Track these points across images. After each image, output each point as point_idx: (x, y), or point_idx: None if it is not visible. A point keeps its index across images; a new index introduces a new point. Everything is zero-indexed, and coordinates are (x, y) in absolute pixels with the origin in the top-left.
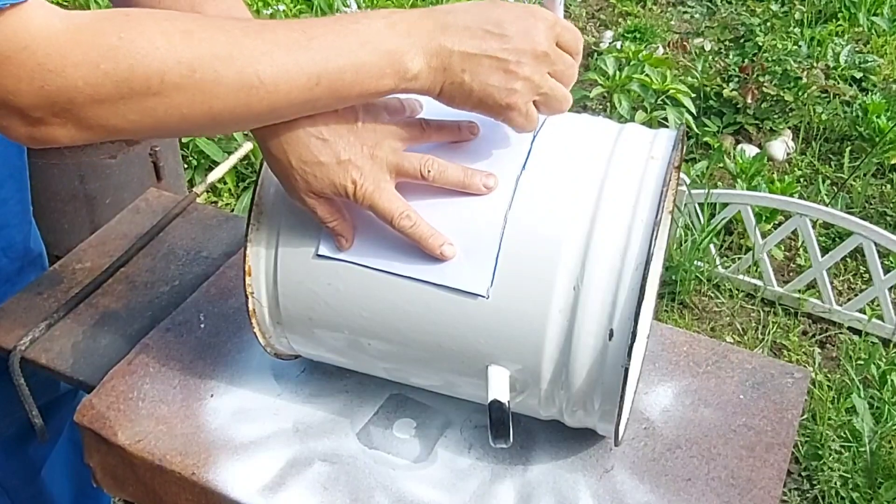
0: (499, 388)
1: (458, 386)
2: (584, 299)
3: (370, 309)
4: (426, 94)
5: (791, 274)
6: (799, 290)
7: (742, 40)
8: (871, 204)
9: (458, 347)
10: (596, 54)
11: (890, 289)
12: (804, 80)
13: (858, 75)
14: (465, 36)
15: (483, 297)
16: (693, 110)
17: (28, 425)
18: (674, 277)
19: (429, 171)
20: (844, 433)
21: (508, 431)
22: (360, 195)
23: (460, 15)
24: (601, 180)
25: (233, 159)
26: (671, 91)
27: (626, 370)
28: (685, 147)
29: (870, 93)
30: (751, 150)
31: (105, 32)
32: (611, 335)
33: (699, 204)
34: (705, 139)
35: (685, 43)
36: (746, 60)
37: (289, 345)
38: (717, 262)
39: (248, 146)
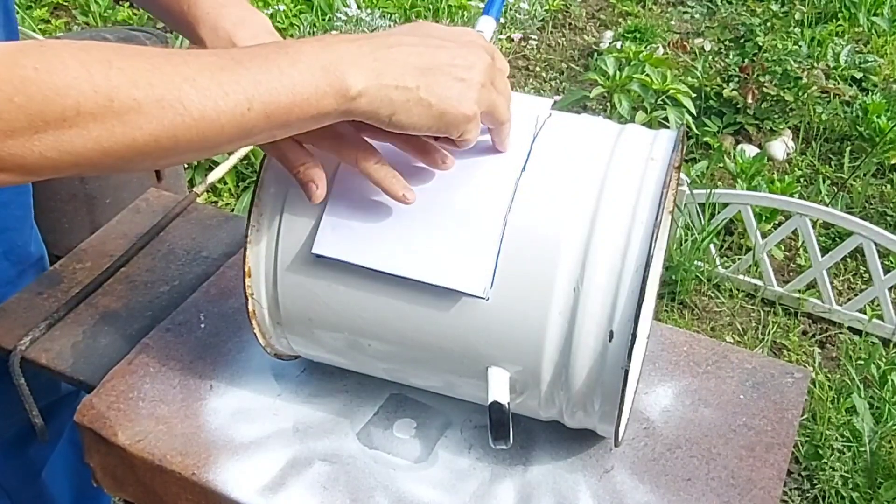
0: (499, 389)
1: (458, 386)
2: (584, 301)
3: (369, 309)
4: (375, 117)
5: (791, 274)
6: (799, 290)
7: (742, 40)
8: (871, 204)
9: (457, 348)
10: (596, 54)
11: (890, 289)
12: (804, 80)
13: (858, 75)
14: (412, 51)
15: (482, 298)
16: (693, 110)
17: (29, 426)
18: (674, 277)
19: None
20: (844, 433)
21: (508, 432)
22: None
23: (401, 34)
24: (601, 181)
25: (233, 159)
26: (671, 91)
27: (626, 372)
28: (685, 147)
29: (870, 93)
30: (751, 150)
31: (19, 64)
32: (611, 337)
33: (699, 204)
34: (705, 139)
35: (685, 43)
36: (746, 60)
37: (289, 345)
38: (717, 262)
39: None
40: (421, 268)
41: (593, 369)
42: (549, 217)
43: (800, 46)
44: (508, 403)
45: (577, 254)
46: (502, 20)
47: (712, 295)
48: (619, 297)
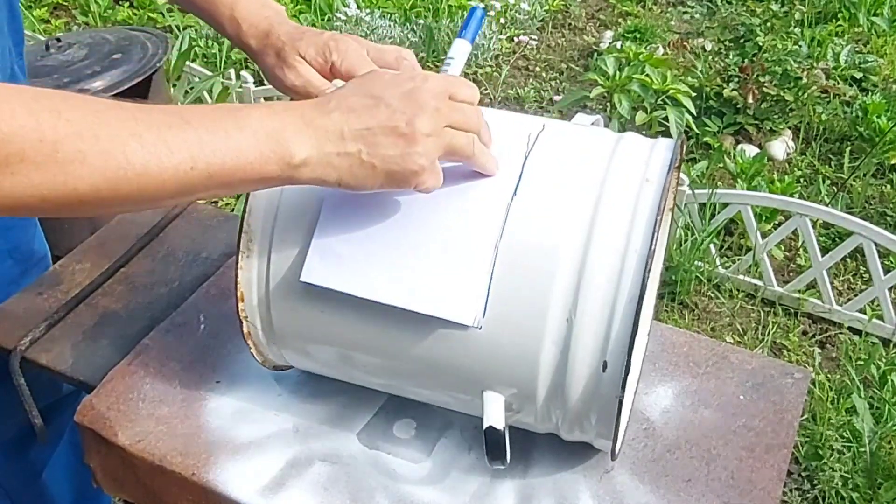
0: (494, 414)
1: (453, 403)
2: (578, 331)
3: (362, 332)
4: (322, 183)
5: (791, 274)
6: (799, 290)
7: (742, 40)
8: (871, 204)
9: (452, 371)
10: (596, 54)
11: (890, 289)
12: (804, 80)
13: (858, 75)
14: (351, 116)
15: (474, 327)
16: (693, 110)
17: (29, 427)
18: (674, 277)
19: None
20: (844, 433)
21: (505, 454)
22: (343, 48)
23: (342, 96)
24: (593, 207)
25: None
26: (671, 91)
27: (621, 401)
28: (686, 147)
29: (870, 93)
30: (751, 150)
31: None
32: (604, 367)
33: (699, 204)
34: (705, 139)
35: (685, 43)
36: (746, 60)
37: (286, 361)
38: (717, 262)
39: None
40: (411, 297)
41: (588, 396)
42: (541, 245)
43: (800, 46)
44: (504, 428)
45: (570, 283)
46: (503, 20)
47: (712, 295)
48: (612, 328)
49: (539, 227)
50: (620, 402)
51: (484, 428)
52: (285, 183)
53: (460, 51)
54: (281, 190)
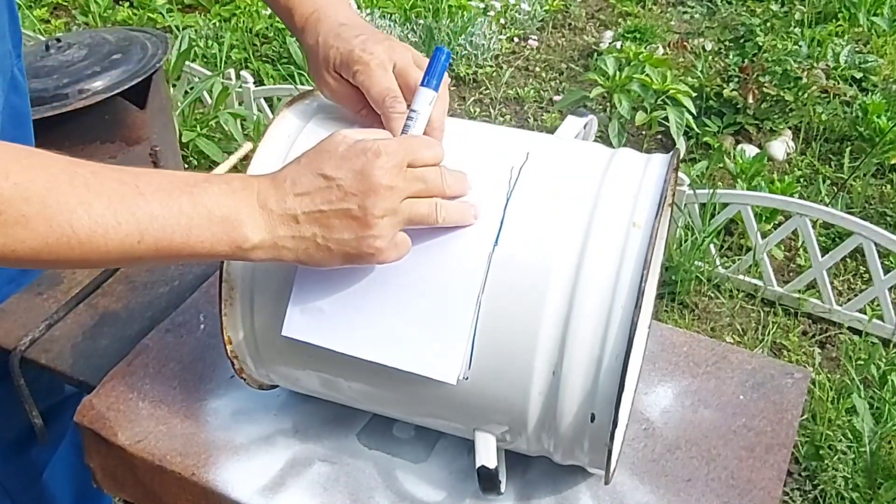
0: (486, 454)
1: (446, 430)
2: (564, 384)
3: (351, 377)
4: (279, 261)
5: (791, 274)
6: (799, 290)
7: (742, 40)
8: (871, 204)
9: (440, 413)
10: (596, 54)
11: (890, 289)
12: (804, 80)
13: (858, 75)
14: (305, 198)
15: (460, 381)
16: (693, 110)
17: (30, 429)
18: (674, 277)
19: None
20: (845, 433)
21: (499, 487)
22: (366, 61)
23: (297, 174)
24: (578, 255)
25: (233, 159)
26: (671, 91)
27: (610, 451)
28: (686, 147)
29: (870, 93)
30: (751, 150)
31: None
32: (592, 418)
33: (699, 204)
34: (705, 139)
35: (685, 43)
36: (746, 60)
37: (281, 384)
38: (717, 262)
39: (248, 146)
40: (394, 355)
41: (578, 439)
42: (525, 297)
43: (800, 46)
44: (497, 466)
45: (555, 337)
46: (503, 20)
47: (712, 295)
48: (599, 384)
49: (522, 279)
50: (609, 452)
51: (476, 467)
52: (240, 260)
53: (425, 101)
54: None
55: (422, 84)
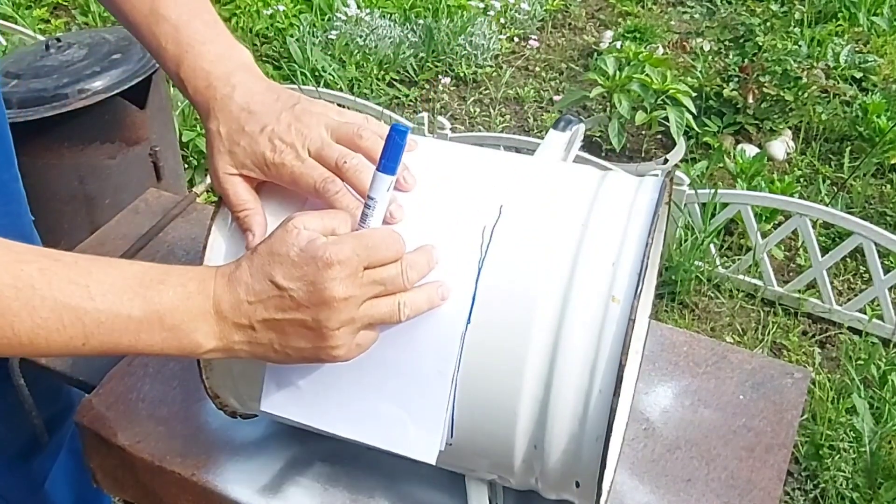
0: (478, 501)
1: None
2: (546, 457)
3: (335, 437)
4: (238, 357)
5: (791, 274)
6: (799, 290)
7: (742, 40)
8: (871, 204)
9: (426, 467)
10: (596, 54)
11: (890, 289)
12: (804, 80)
13: (858, 75)
14: (258, 306)
15: (440, 450)
16: (693, 110)
17: (32, 440)
18: (674, 277)
19: (345, 163)
20: (845, 433)
21: None
22: (279, 161)
23: (250, 278)
24: (555, 334)
25: None
26: (671, 91)
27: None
28: (686, 149)
29: (870, 93)
30: (751, 150)
31: None
32: (577, 485)
33: (699, 204)
34: (705, 139)
35: (685, 43)
36: (746, 60)
37: None
38: (717, 262)
39: None
40: (372, 433)
41: (564, 492)
42: (500, 378)
43: (800, 46)
44: None
45: (533, 416)
46: (503, 20)
47: (712, 295)
48: (580, 459)
49: (497, 357)
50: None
51: None
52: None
53: (382, 188)
54: None
55: (378, 169)
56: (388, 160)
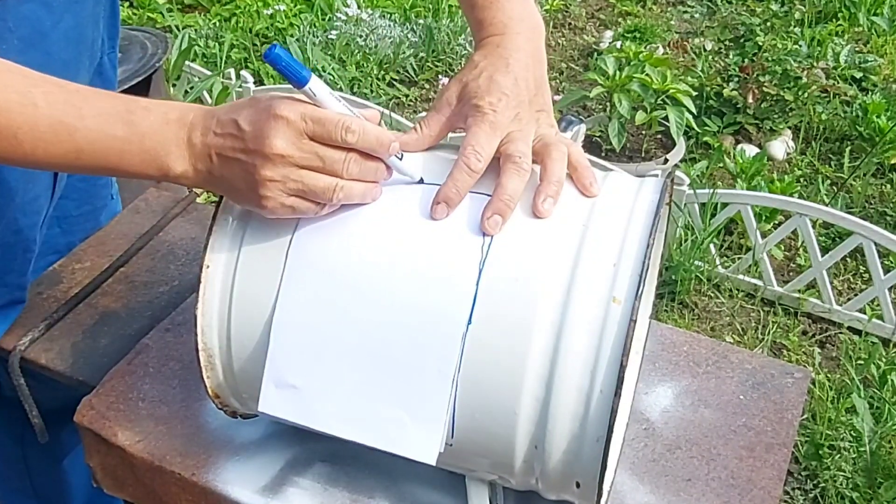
0: (478, 501)
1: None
2: (546, 457)
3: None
4: (202, 188)
5: (791, 274)
6: (799, 290)
7: (742, 40)
8: (871, 204)
9: (425, 467)
10: (596, 54)
11: (890, 289)
12: (804, 79)
13: (858, 75)
14: (219, 139)
15: (441, 451)
16: (693, 110)
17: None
18: (674, 277)
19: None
20: (845, 433)
21: None
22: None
23: (224, 114)
24: (555, 337)
25: None
26: (671, 91)
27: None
28: (686, 147)
29: (870, 93)
30: (751, 150)
31: None
32: (577, 485)
33: (699, 204)
34: (705, 139)
35: (685, 43)
36: (746, 60)
37: None
38: (717, 262)
39: None
40: (371, 434)
41: (565, 492)
42: (501, 378)
43: (800, 46)
44: None
45: (534, 415)
46: None
47: (712, 295)
48: (581, 460)
49: (497, 361)
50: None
51: None
52: (170, 182)
53: (318, 88)
54: (228, 309)
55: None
56: (293, 72)
